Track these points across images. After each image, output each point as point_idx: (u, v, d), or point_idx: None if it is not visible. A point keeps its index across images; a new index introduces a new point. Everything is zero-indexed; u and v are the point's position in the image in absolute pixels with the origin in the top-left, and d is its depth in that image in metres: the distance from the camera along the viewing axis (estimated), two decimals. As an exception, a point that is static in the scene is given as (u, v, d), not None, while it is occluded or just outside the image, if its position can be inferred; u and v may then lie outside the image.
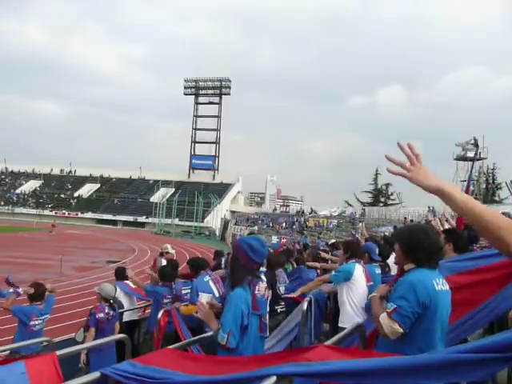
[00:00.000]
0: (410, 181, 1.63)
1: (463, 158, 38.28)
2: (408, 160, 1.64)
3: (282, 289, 5.47)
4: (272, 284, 5.34)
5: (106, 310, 5.29)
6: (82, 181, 79.38)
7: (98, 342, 3.38)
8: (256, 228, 44.28)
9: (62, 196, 75.63)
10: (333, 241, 12.86)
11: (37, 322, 5.40)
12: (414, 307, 2.23)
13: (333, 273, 4.50)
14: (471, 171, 8.28)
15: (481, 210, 1.50)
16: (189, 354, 2.80)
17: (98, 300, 5.46)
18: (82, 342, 5.10)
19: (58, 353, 2.58)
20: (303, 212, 52.52)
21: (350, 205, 54.44)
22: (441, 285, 2.35)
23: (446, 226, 5.61)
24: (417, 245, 2.39)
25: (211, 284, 5.38)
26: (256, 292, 2.73)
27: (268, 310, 2.89)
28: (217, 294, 5.39)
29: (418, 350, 2.21)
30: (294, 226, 44.10)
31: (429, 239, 2.41)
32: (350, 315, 4.22)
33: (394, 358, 1.65)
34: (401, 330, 2.22)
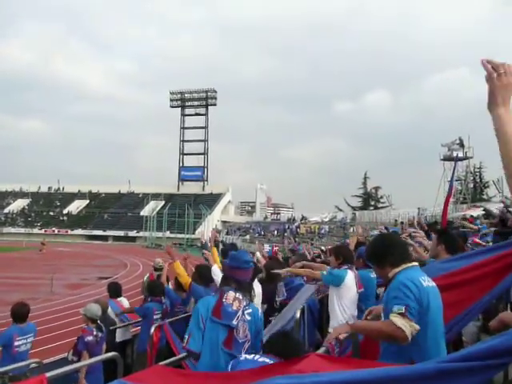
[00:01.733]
0: (489, 87, 1.50)
1: (450, 158, 38.69)
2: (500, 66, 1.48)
3: (278, 303, 5.40)
4: (270, 297, 5.31)
5: (95, 333, 5.16)
6: (70, 197, 78.69)
7: (89, 361, 3.32)
8: (248, 237, 44.15)
9: (51, 213, 74.86)
10: (329, 247, 12.83)
11: (20, 342, 5.26)
12: (415, 304, 2.24)
13: (324, 272, 4.44)
14: (453, 172, 8.38)
15: None
16: (180, 370, 2.74)
17: (85, 321, 5.33)
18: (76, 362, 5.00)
19: (48, 374, 2.52)
20: (294, 219, 52.57)
21: (341, 210, 54.69)
22: (427, 281, 2.38)
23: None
24: (384, 252, 2.47)
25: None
26: (223, 300, 2.70)
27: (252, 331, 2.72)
28: None
29: (425, 352, 2.20)
30: (286, 234, 44.08)
31: (391, 241, 2.53)
32: (340, 321, 4.20)
33: (386, 368, 1.63)
34: (418, 327, 2.19)
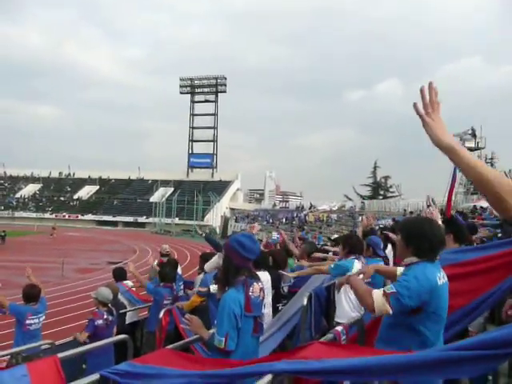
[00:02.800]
0: (425, 127, 1.53)
1: (461, 149, 38.24)
2: (428, 105, 1.55)
3: (285, 289, 5.44)
4: (276, 284, 5.34)
5: (105, 316, 5.26)
6: (81, 183, 79.33)
7: (99, 343, 3.40)
8: (256, 224, 44.20)
9: (62, 199, 75.59)
10: (335, 236, 12.82)
11: (32, 321, 5.51)
12: (411, 301, 2.20)
13: (331, 265, 4.46)
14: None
15: (485, 171, 1.44)
16: (188, 355, 2.80)
17: (96, 305, 5.44)
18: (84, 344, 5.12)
19: (60, 355, 2.60)
20: (303, 207, 52.54)
21: (350, 199, 54.50)
22: (442, 278, 2.35)
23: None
24: (419, 235, 2.36)
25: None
26: (250, 293, 2.65)
27: (266, 310, 2.81)
28: None
29: (424, 343, 2.23)
30: (294, 222, 44.12)
31: (432, 230, 2.37)
32: (346, 310, 4.23)
33: (390, 356, 1.66)
34: (390, 312, 2.19)
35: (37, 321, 5.60)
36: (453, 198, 9.89)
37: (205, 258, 5.98)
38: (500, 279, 2.82)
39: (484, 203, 23.66)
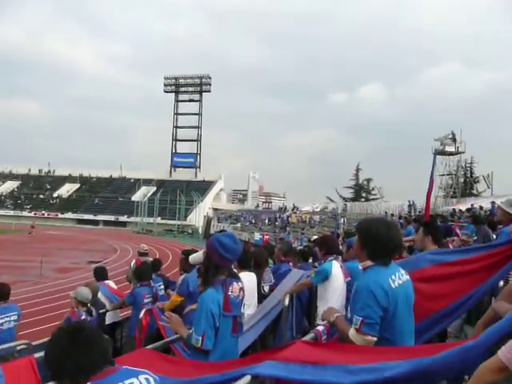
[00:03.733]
0: None
1: (442, 153, 38.87)
2: None
3: (266, 288, 5.44)
4: (257, 284, 5.35)
5: (83, 317, 5.16)
6: (61, 181, 78.11)
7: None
8: (239, 225, 44.32)
9: (41, 196, 74.33)
10: (315, 237, 12.92)
11: (3, 320, 5.31)
12: (377, 311, 2.19)
13: (312, 275, 4.51)
14: (433, 165, 8.38)
15: None
16: (167, 356, 2.77)
17: (75, 305, 5.33)
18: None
19: (36, 355, 2.54)
20: (286, 208, 52.71)
21: (332, 200, 54.86)
22: (397, 280, 2.30)
23: None
24: (375, 237, 2.33)
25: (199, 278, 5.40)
26: (229, 293, 2.62)
27: (252, 311, 2.77)
28: None
29: (385, 341, 2.24)
30: (277, 223, 44.24)
31: (388, 234, 2.33)
32: None
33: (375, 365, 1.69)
34: (374, 339, 2.18)
35: (8, 319, 5.40)
36: (432, 200, 10.06)
37: (187, 255, 5.93)
38: (479, 282, 2.87)
39: (463, 206, 24.09)
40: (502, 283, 4.36)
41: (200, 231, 53.53)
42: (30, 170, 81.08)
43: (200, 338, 2.47)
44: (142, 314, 5.15)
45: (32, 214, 66.11)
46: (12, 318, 5.45)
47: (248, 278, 4.70)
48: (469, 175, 46.04)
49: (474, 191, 44.02)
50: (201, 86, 75.95)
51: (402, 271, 2.40)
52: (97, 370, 1.56)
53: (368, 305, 2.18)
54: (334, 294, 4.31)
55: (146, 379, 1.61)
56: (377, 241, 2.31)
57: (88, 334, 1.63)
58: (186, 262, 5.74)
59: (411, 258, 3.62)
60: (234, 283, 2.70)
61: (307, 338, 2.75)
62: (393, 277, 2.29)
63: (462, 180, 43.46)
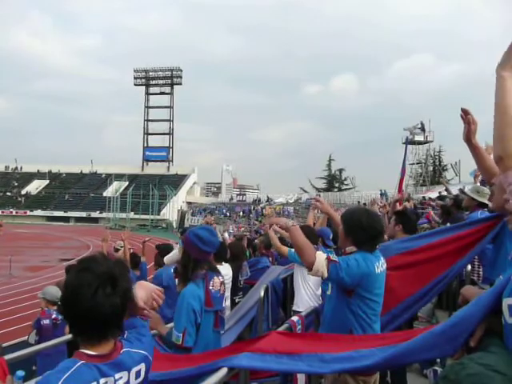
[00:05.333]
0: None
1: (411, 142, 39.70)
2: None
3: (242, 282, 5.44)
4: (234, 276, 5.34)
5: (54, 316, 5.04)
6: (29, 177, 75.96)
7: (49, 343, 3.27)
8: (213, 218, 44.20)
9: (8, 194, 72.12)
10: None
11: None
12: (348, 277, 2.32)
13: (292, 250, 4.50)
14: (405, 155, 8.69)
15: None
16: None
17: (44, 305, 5.20)
18: (36, 345, 4.91)
19: (7, 357, 2.48)
20: (260, 200, 52.85)
21: (306, 191, 55.25)
22: (380, 267, 2.48)
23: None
24: (358, 225, 2.48)
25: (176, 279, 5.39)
26: (210, 287, 2.59)
27: (226, 303, 2.76)
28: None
29: (360, 326, 2.39)
30: (251, 215, 44.34)
31: (370, 222, 2.49)
32: (305, 299, 4.29)
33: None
34: (325, 276, 2.30)
35: None
36: (403, 190, 10.26)
37: (161, 249, 5.88)
38: (447, 266, 2.94)
39: (433, 194, 24.70)
40: (469, 267, 4.50)
41: (174, 225, 53.11)
42: (-4, 167, 78.58)
43: (181, 334, 2.43)
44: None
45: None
46: None
47: (223, 271, 4.69)
48: (437, 164, 47.17)
49: (443, 179, 45.17)
50: (171, 78, 74.90)
51: (383, 260, 2.54)
52: (107, 332, 1.35)
53: (348, 266, 2.32)
54: (309, 282, 4.34)
55: (137, 373, 1.43)
56: (359, 228, 2.48)
57: (121, 281, 1.38)
58: (160, 258, 5.69)
59: (382, 246, 3.69)
60: (215, 277, 2.67)
61: (282, 328, 2.78)
62: (377, 263, 2.46)
63: (431, 168, 44.51)
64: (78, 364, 1.28)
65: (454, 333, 1.38)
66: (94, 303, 1.30)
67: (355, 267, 2.33)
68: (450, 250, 2.91)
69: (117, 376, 1.34)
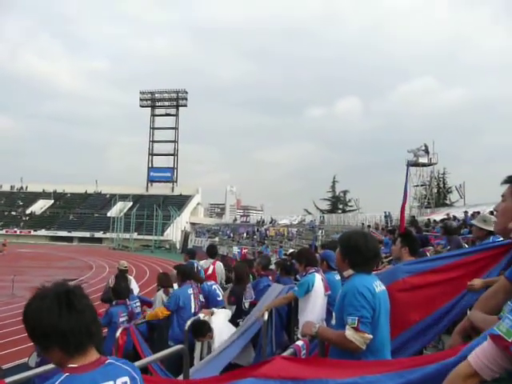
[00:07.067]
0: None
1: (415, 164, 39.73)
2: None
3: (246, 305, 5.39)
4: (239, 299, 5.30)
5: None
6: (34, 197, 76.29)
7: (49, 366, 3.22)
8: (217, 239, 44.09)
9: (13, 213, 72.37)
10: (291, 250, 12.94)
11: None
12: (369, 311, 2.32)
13: (295, 288, 4.50)
14: (407, 177, 8.64)
15: None
16: (144, 376, 2.70)
17: None
18: (36, 367, 4.85)
19: (8, 380, 2.45)
20: (263, 221, 52.70)
21: (310, 213, 55.12)
22: (379, 286, 2.48)
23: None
24: (354, 248, 2.50)
25: (192, 298, 5.42)
26: None
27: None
28: (192, 311, 5.35)
29: (369, 353, 2.32)
30: (255, 236, 44.16)
31: (366, 244, 2.51)
32: None
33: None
34: (371, 337, 2.29)
35: None
36: (406, 212, 10.22)
37: (181, 270, 5.85)
38: (459, 290, 2.88)
39: (437, 216, 24.58)
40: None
41: (178, 246, 52.94)
42: (1, 187, 78.97)
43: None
44: (118, 333, 5.03)
45: (3, 232, 64.19)
46: None
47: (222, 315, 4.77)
48: (442, 186, 47.08)
49: (448, 201, 44.96)
50: (177, 100, 75.86)
51: (379, 281, 2.54)
52: (82, 345, 1.44)
53: (362, 305, 2.32)
54: (314, 307, 4.30)
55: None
56: (355, 251, 2.50)
57: (82, 299, 1.51)
58: (165, 278, 5.66)
59: (388, 270, 3.65)
60: None
61: (287, 353, 2.74)
62: (375, 282, 2.47)
63: (435, 190, 44.39)
64: (63, 377, 1.37)
65: None
66: (51, 322, 1.43)
67: (365, 300, 2.33)
68: (463, 274, 2.87)
69: None
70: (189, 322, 4.72)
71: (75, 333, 1.42)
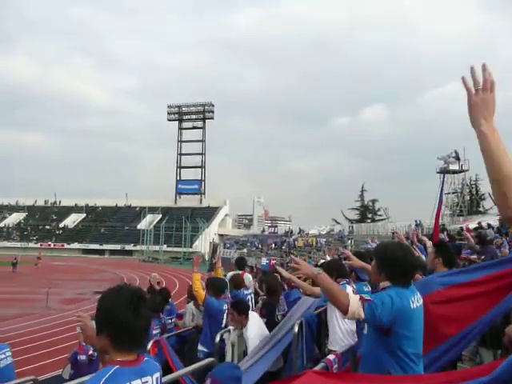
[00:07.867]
0: (468, 105, 1.45)
1: (446, 172, 38.86)
2: (481, 84, 1.43)
3: (280, 317, 5.34)
4: (271, 311, 5.25)
5: (90, 352, 5.05)
6: (67, 211, 78.46)
7: (83, 379, 3.28)
8: (245, 250, 44.12)
9: (47, 227, 74.50)
10: (322, 261, 12.76)
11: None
12: (383, 315, 2.20)
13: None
14: (442, 185, 8.39)
15: (505, 166, 1.36)
16: None
17: (83, 340, 5.24)
18: (70, 379, 4.93)
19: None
20: (292, 232, 52.43)
21: (338, 222, 54.53)
22: (416, 302, 2.36)
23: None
24: (392, 260, 2.39)
25: (224, 316, 5.39)
26: None
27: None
28: (222, 325, 5.34)
29: (400, 366, 2.24)
30: (283, 247, 43.95)
31: (405, 256, 2.40)
32: (339, 337, 4.15)
33: None
34: (362, 317, 2.18)
35: (3, 356, 5.20)
36: (440, 221, 9.99)
37: (212, 283, 5.84)
38: (494, 303, 2.81)
39: (471, 224, 23.87)
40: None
41: (206, 258, 53.16)
42: (36, 202, 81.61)
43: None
44: (149, 346, 5.07)
45: (38, 245, 66.14)
46: (8, 355, 5.26)
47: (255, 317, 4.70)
48: (474, 193, 45.83)
49: (481, 208, 43.71)
50: (204, 113, 76.92)
51: (419, 295, 2.43)
52: (132, 345, 1.62)
53: (383, 303, 2.20)
54: (344, 319, 4.22)
55: (157, 379, 1.67)
56: (393, 264, 2.38)
57: (146, 307, 1.68)
58: (212, 289, 5.66)
59: (423, 280, 3.56)
60: None
61: (318, 367, 2.70)
62: (412, 298, 2.34)
63: (467, 198, 43.25)
64: (114, 368, 1.52)
65: None
66: (128, 319, 1.59)
67: (389, 304, 2.22)
68: (494, 288, 2.78)
69: (143, 379, 1.60)
70: (218, 335, 4.71)
71: (134, 333, 1.60)
